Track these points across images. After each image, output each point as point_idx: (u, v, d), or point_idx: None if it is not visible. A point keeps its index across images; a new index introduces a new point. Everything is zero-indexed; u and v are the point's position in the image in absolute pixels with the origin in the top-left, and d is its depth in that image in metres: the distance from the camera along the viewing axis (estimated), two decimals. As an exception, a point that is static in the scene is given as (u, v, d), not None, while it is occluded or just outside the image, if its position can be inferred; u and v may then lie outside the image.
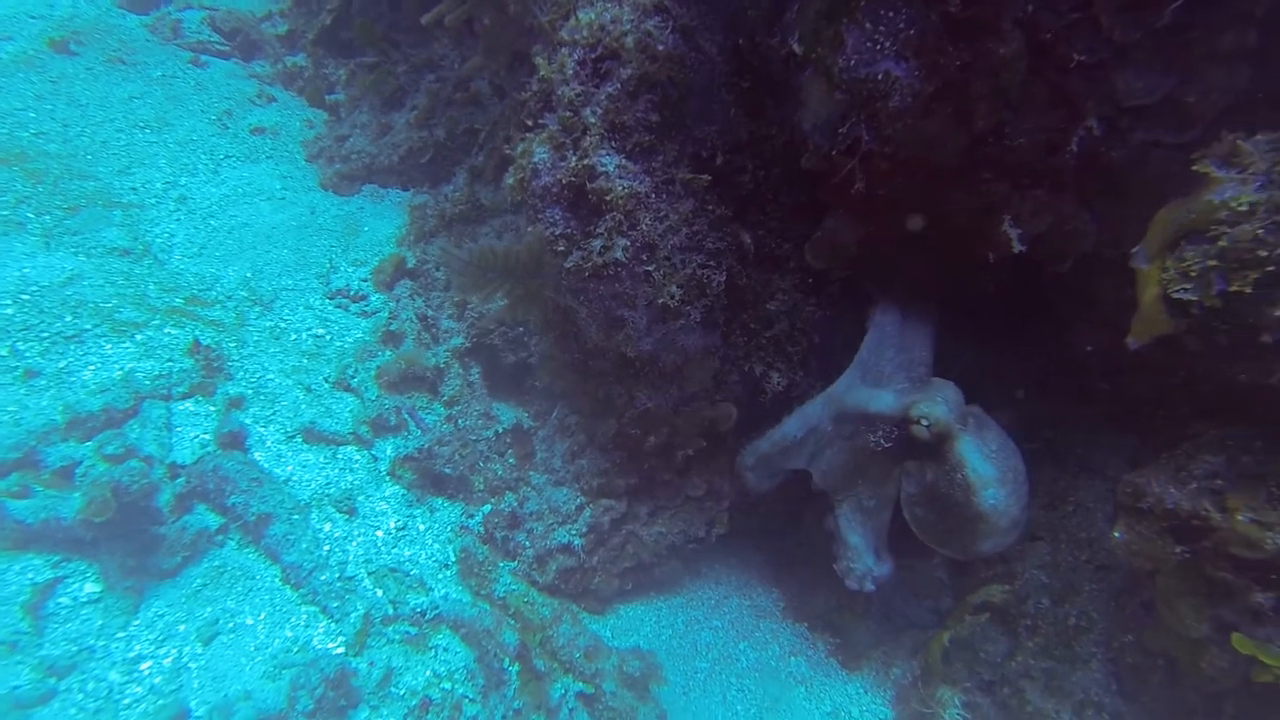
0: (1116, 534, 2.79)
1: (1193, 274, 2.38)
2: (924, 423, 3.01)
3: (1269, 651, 2.36)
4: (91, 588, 2.92)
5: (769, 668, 3.72)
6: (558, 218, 3.19)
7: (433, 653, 2.96)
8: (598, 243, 3.15)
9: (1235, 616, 2.52)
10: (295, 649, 2.87)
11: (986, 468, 2.95)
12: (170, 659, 2.81)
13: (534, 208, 3.30)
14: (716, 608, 3.98)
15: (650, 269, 3.24)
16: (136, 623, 2.89)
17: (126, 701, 2.65)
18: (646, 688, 3.06)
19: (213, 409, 3.69)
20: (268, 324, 4.64)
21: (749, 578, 4.26)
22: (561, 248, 3.20)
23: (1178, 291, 2.40)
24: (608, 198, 3.09)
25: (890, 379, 3.35)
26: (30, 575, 2.87)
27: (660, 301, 3.27)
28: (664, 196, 3.24)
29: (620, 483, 3.64)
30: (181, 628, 2.92)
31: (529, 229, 3.35)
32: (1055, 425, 4.14)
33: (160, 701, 2.64)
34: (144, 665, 2.77)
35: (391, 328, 4.54)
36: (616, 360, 3.46)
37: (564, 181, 3.12)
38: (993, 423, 3.13)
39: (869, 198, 2.98)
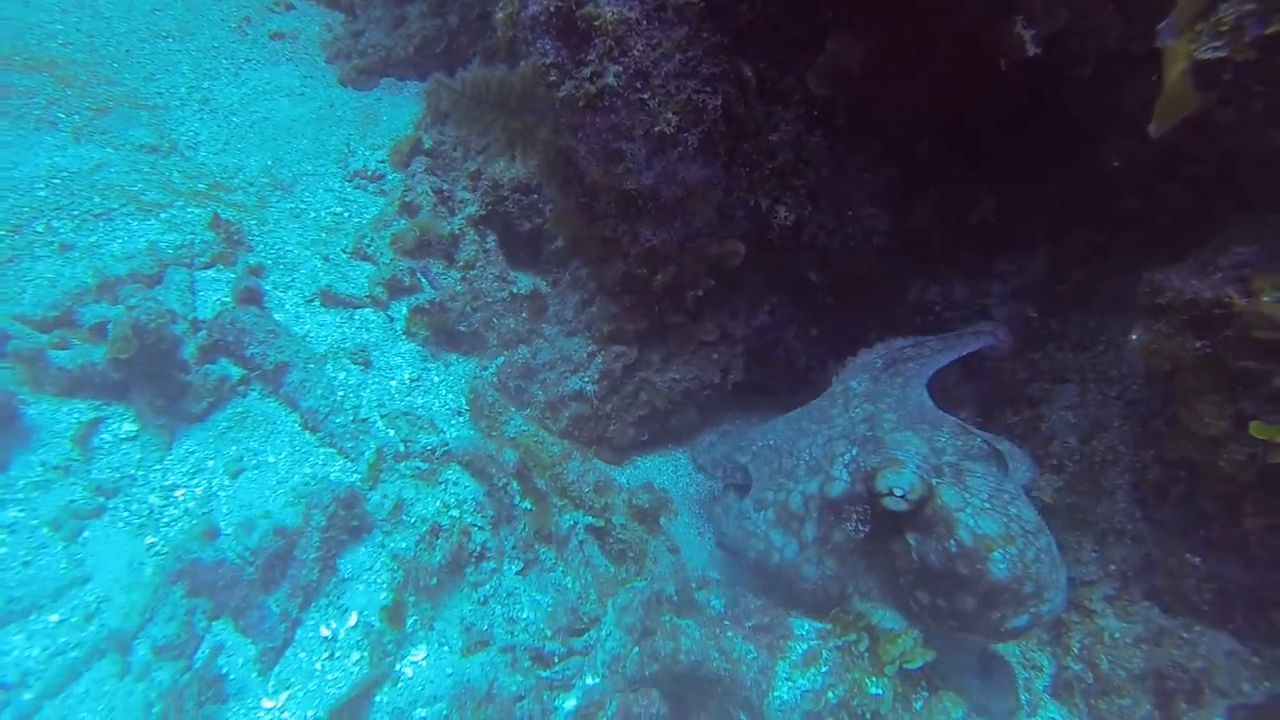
0: (1134, 336, 2.66)
1: (1225, 28, 2.17)
2: (897, 492, 2.47)
3: (1287, 431, 2.24)
4: (129, 427, 3.09)
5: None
6: (548, 47, 3.12)
7: (443, 486, 3.06)
8: (589, 69, 3.08)
9: (1256, 407, 2.40)
10: (314, 483, 2.99)
11: (985, 524, 2.38)
12: (201, 488, 2.97)
13: (524, 40, 3.23)
14: (734, 457, 3.99)
15: (645, 96, 3.15)
16: (170, 458, 3.05)
17: (165, 520, 2.83)
18: (656, 520, 3.10)
19: (233, 275, 3.80)
20: (288, 205, 4.72)
21: (770, 433, 4.25)
22: (553, 78, 3.14)
23: (1207, 50, 2.19)
24: (596, 24, 3.01)
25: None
26: (76, 416, 3.05)
27: (657, 130, 3.19)
28: (655, 23, 3.13)
29: (630, 327, 3.63)
30: (210, 463, 3.07)
31: (521, 63, 3.29)
32: (1085, 264, 3.96)
33: (194, 521, 2.81)
34: (178, 492, 2.94)
35: (407, 199, 4.56)
36: (619, 198, 3.41)
37: (552, 9, 3.05)
38: (978, 467, 2.57)
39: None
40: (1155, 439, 3.00)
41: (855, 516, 2.70)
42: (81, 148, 4.61)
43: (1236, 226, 2.60)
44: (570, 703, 2.45)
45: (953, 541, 2.40)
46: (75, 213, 3.96)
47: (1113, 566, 3.21)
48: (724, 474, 3.38)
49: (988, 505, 2.43)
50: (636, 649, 2.49)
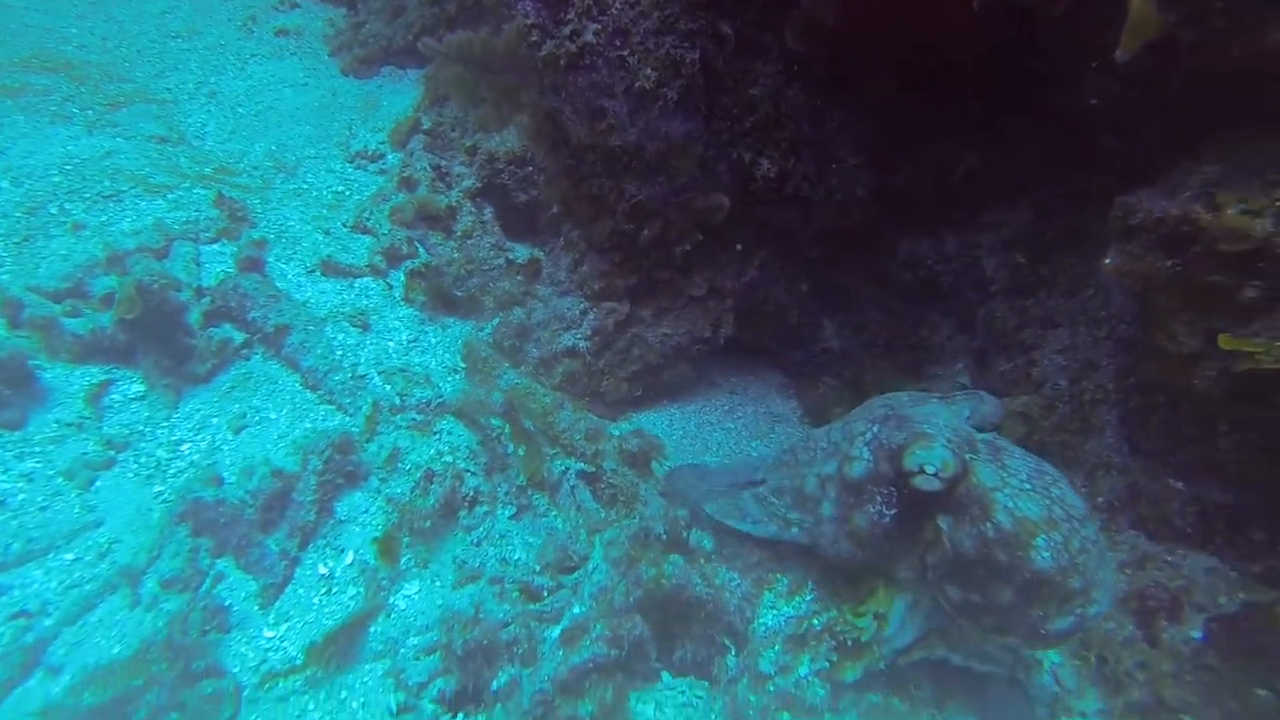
0: (1108, 259, 2.69)
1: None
2: (929, 470, 2.23)
3: (1250, 342, 2.26)
4: (137, 388, 3.23)
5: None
6: (529, 8, 3.21)
7: (437, 436, 3.16)
8: (568, 28, 3.17)
9: (1225, 321, 2.42)
10: (313, 435, 3.10)
11: (1025, 505, 2.14)
12: (206, 443, 3.10)
13: (506, 2, 3.33)
14: (730, 413, 4.06)
15: (624, 53, 3.23)
16: (176, 416, 3.19)
17: (172, 471, 2.97)
18: (648, 464, 3.17)
19: (237, 249, 3.94)
20: (291, 186, 4.87)
21: (766, 390, 4.31)
22: (535, 38, 3.23)
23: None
24: (575, -17, 3.09)
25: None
26: (88, 379, 3.20)
27: (637, 86, 3.27)
28: (634, -20, 3.21)
29: (620, 283, 3.71)
30: (214, 420, 3.20)
31: (504, 26, 3.39)
32: (1071, 209, 3.98)
33: (199, 471, 2.93)
34: (184, 446, 3.07)
35: (405, 175, 4.68)
36: (604, 156, 3.50)
37: (532, -29, 3.13)
38: (1014, 447, 2.36)
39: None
40: (1137, 368, 3.02)
41: (880, 499, 2.39)
42: (94, 138, 4.79)
43: (1205, 149, 2.62)
44: (557, 631, 2.52)
45: (989, 524, 2.14)
46: (87, 195, 4.13)
47: (1100, 499, 3.23)
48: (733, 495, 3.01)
49: (1027, 485, 2.18)
50: (623, 581, 2.56)
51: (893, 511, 2.38)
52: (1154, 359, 2.75)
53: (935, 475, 2.21)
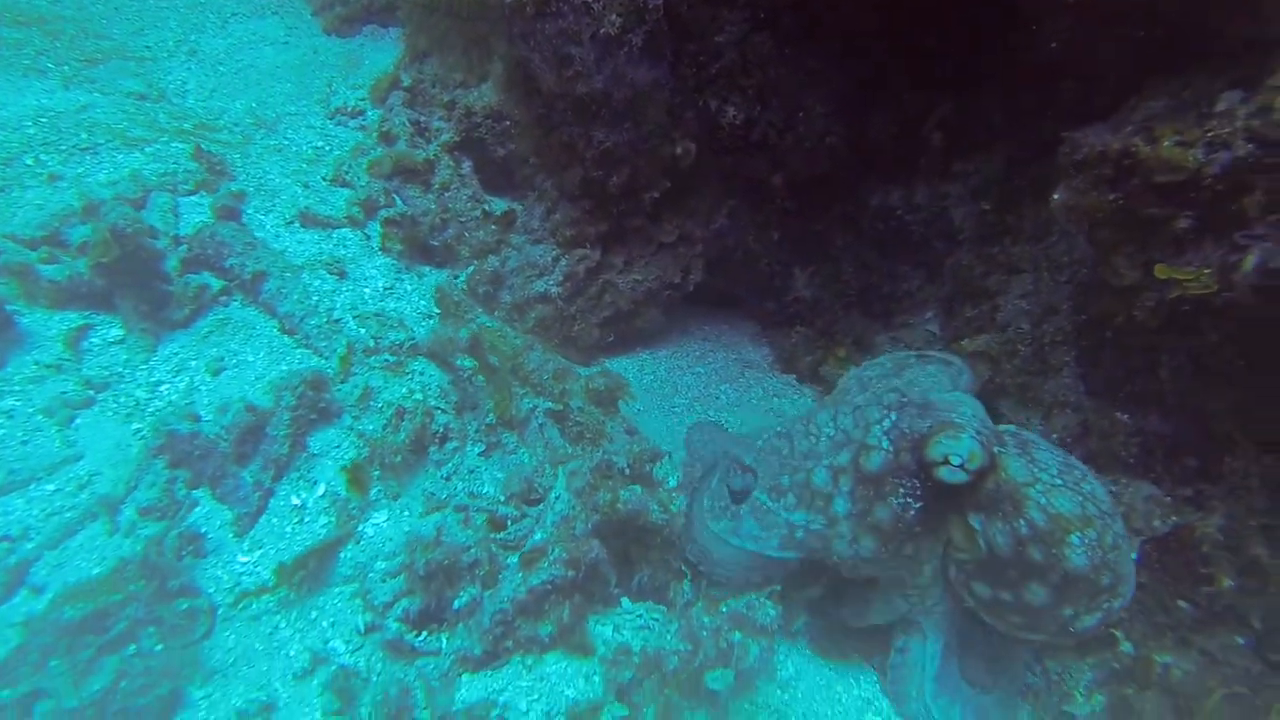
0: (1056, 196, 2.75)
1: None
2: (954, 461, 2.13)
3: (1182, 270, 2.34)
4: (116, 332, 3.30)
5: (750, 405, 3.89)
6: (494, -45, 3.23)
7: (410, 376, 3.24)
8: (533, -26, 3.19)
9: (1162, 253, 2.49)
10: (289, 376, 3.18)
11: (1059, 502, 2.10)
12: (185, 384, 3.19)
13: (471, -50, 3.35)
14: (701, 358, 4.14)
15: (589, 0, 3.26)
16: (155, 359, 3.27)
17: (150, 410, 3.05)
18: (614, 402, 3.26)
19: (217, 201, 3.99)
20: (271, 142, 4.90)
21: (739, 338, 4.39)
22: (501, -16, 3.26)
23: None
24: (539, -72, 3.11)
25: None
26: (67, 324, 3.28)
27: (603, 32, 3.30)
28: (598, -74, 3.23)
29: (591, 230, 3.78)
30: (193, 363, 3.28)
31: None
32: (1038, 157, 4.02)
33: (175, 409, 3.02)
34: (163, 387, 3.16)
35: (385, 129, 4.71)
36: (573, 104, 3.54)
37: (495, -82, 3.15)
38: (1040, 439, 2.31)
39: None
40: (1087, 304, 3.10)
41: (902, 491, 2.26)
42: (70, 93, 4.81)
43: (1151, 87, 2.67)
44: (519, 557, 2.62)
45: (1022, 522, 2.08)
46: (63, 147, 4.16)
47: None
48: (713, 479, 2.88)
49: (1059, 481, 2.13)
50: (583, 508, 2.66)
51: (919, 505, 2.25)
52: (1100, 293, 2.83)
53: (961, 467, 2.11)
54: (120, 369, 3.21)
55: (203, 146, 4.31)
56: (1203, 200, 2.30)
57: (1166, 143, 2.38)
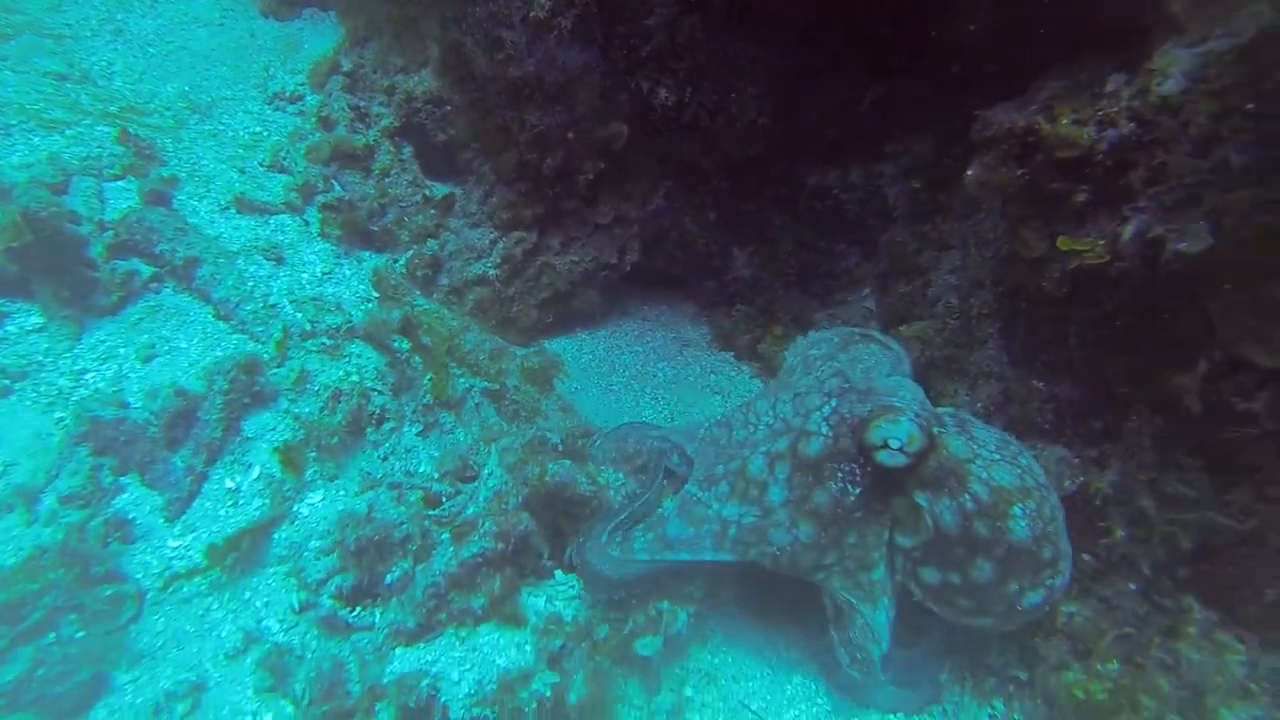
0: (970, 172, 2.85)
1: None
2: (893, 444, 2.16)
3: (1081, 242, 2.46)
4: (35, 320, 3.22)
5: (687, 382, 3.96)
6: (423, -64, 3.23)
7: (346, 359, 3.24)
8: (461, -44, 3.19)
9: (1064, 226, 2.60)
10: (223, 361, 3.16)
11: (999, 475, 2.14)
12: (113, 372, 3.14)
13: (399, -70, 3.34)
14: (640, 337, 4.20)
15: (519, -18, 3.27)
16: (80, 347, 3.21)
17: (75, 399, 3.00)
18: (549, 381, 3.30)
19: (146, 186, 3.91)
20: (206, 127, 4.80)
21: (678, 317, 4.46)
22: (429, -35, 3.25)
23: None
24: (466, -91, 3.11)
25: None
26: (-22, 313, 3.19)
27: (532, 15, 3.32)
28: (525, -92, 3.24)
29: (528, 213, 3.80)
30: (122, 351, 3.23)
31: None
32: (966, 138, 4.14)
33: (100, 395, 2.98)
34: (88, 375, 3.11)
35: (323, 114, 4.66)
36: (507, 88, 3.56)
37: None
38: (977, 420, 2.38)
39: None
40: (1004, 277, 3.23)
41: (841, 476, 2.27)
42: (-24, 70, 4.62)
43: (1053, 69, 2.78)
44: (449, 534, 2.66)
45: (967, 496, 2.12)
46: (-34, 128, 4.01)
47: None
48: (646, 470, 2.84)
49: (997, 456, 2.18)
50: (514, 482, 2.70)
51: (857, 490, 2.25)
52: (1014, 266, 2.95)
53: (900, 450, 2.14)
54: (40, 357, 3.15)
55: (130, 130, 4.22)
56: (1096, 175, 2.41)
57: (1064, 121, 2.49)
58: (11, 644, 2.19)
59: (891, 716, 2.70)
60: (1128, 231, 2.25)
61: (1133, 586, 2.48)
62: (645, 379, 3.90)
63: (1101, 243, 2.40)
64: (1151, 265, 2.25)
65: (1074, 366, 2.90)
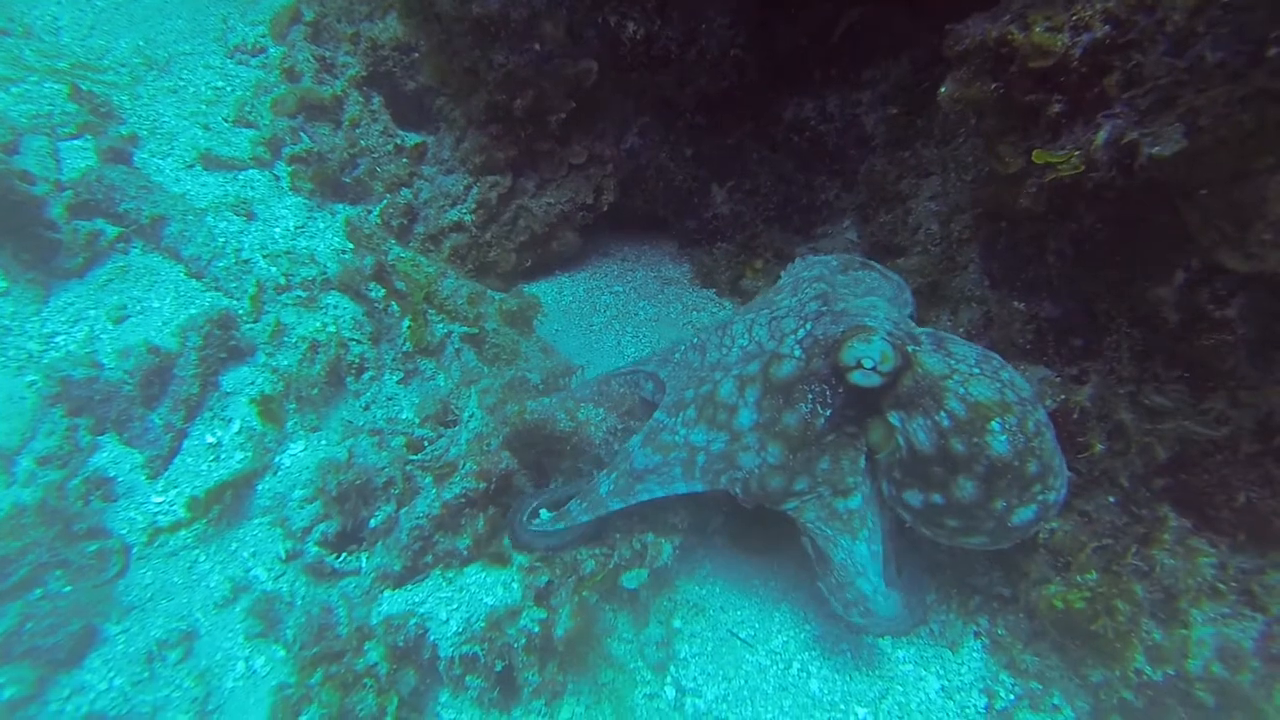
0: (943, 89, 2.78)
1: None
2: (866, 364, 2.10)
3: (1055, 154, 2.41)
4: (-2, 285, 3.18)
5: (668, 320, 3.93)
6: None
7: (323, 310, 3.21)
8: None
9: (1040, 139, 2.55)
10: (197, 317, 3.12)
11: (976, 389, 2.04)
12: (84, 334, 3.10)
13: None
14: (620, 277, 4.16)
15: (476, -89, 3.14)
16: (47, 310, 3.17)
17: (46, 362, 2.96)
18: (529, 322, 3.27)
19: (104, 143, 3.81)
20: (165, 84, 4.67)
21: (659, 256, 4.41)
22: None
23: None
24: None
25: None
26: (-63, 282, 3.13)
27: (494, -54, 3.20)
28: None
29: (501, 156, 3.72)
30: (92, 312, 3.19)
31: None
32: (943, 60, 4.05)
33: (70, 356, 2.95)
34: (59, 338, 3.07)
35: (287, 66, 4.53)
36: (472, 27, 3.45)
37: None
38: (956, 337, 2.27)
39: None
40: (982, 197, 3.18)
41: (811, 397, 2.22)
42: (-97, 27, 4.45)
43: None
44: (431, 478, 2.65)
45: (943, 414, 2.04)
46: (-101, 88, 3.88)
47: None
48: (607, 396, 2.81)
49: (976, 370, 2.09)
50: (494, 423, 2.69)
51: (827, 412, 2.21)
52: (991, 184, 2.90)
53: (874, 369, 2.09)
54: (7, 321, 3.10)
55: (82, 87, 4.09)
56: (1071, 84, 2.35)
57: (1038, 29, 2.42)
58: (0, 599, 2.21)
59: (882, 640, 2.74)
60: (1100, 137, 2.20)
61: (1111, 499, 2.49)
62: (627, 318, 3.87)
63: (1076, 153, 2.35)
64: (1127, 174, 2.21)
65: (1053, 285, 2.88)
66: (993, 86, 2.64)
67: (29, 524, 2.33)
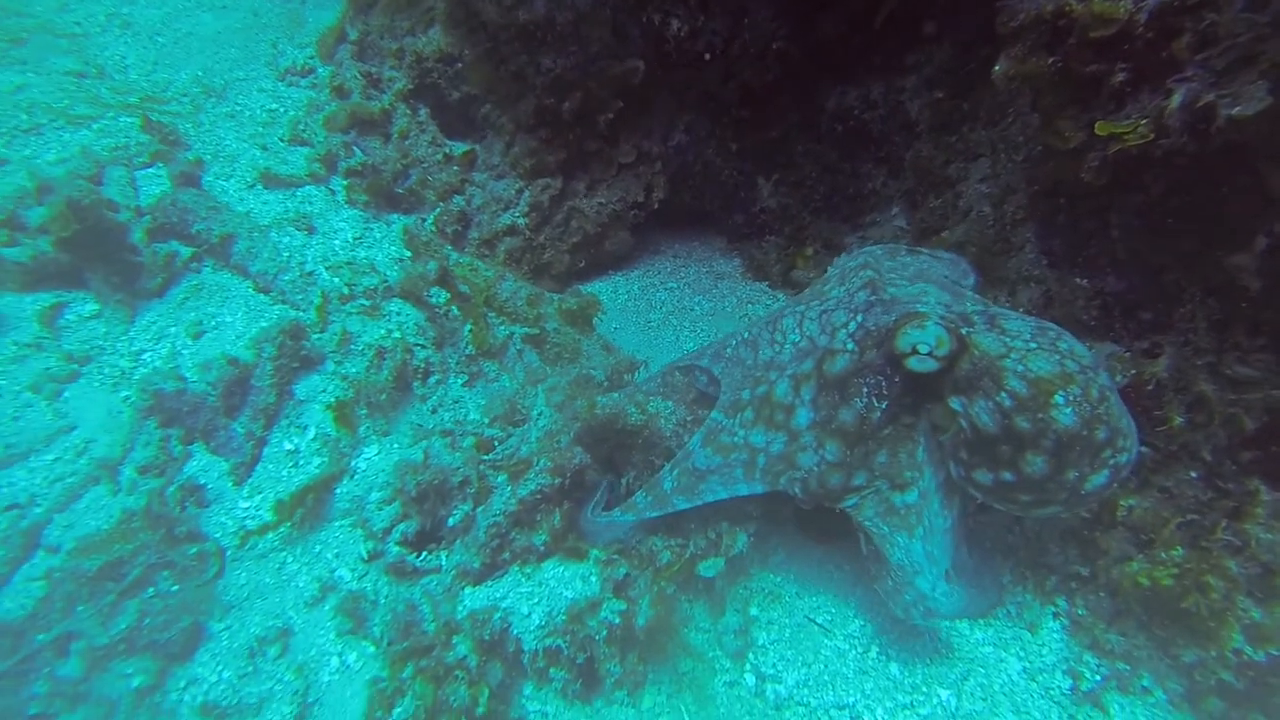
0: (997, 67, 2.76)
1: None
2: (922, 350, 2.08)
3: (1119, 124, 2.38)
4: (91, 307, 3.35)
5: (724, 313, 3.96)
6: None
7: (386, 317, 3.30)
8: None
9: (1102, 110, 2.52)
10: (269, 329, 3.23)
11: (1036, 364, 2.00)
12: (167, 350, 3.25)
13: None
14: (673, 274, 4.20)
15: (520, -78, 3.21)
16: (134, 329, 3.32)
17: (136, 378, 3.11)
18: (589, 320, 3.33)
19: (175, 169, 3.98)
20: (223, 109, 4.85)
21: (710, 252, 4.44)
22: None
23: None
24: None
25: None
26: (40, 304, 3.31)
27: (537, -47, 3.26)
28: None
29: (551, 159, 3.79)
30: (172, 330, 3.33)
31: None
32: (987, 40, 4.01)
33: (161, 373, 3.08)
34: (145, 355, 3.22)
35: (337, 84, 4.66)
36: (518, 34, 3.52)
37: None
38: (1009, 311, 2.22)
39: None
40: (1039, 174, 3.15)
41: (866, 390, 2.21)
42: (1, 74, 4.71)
43: (1085, -57, 2.65)
44: (506, 475, 2.71)
45: (1003, 394, 2.00)
46: (3, 130, 4.11)
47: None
48: (672, 387, 2.85)
49: (1034, 345, 2.04)
50: (563, 420, 2.74)
51: (883, 404, 2.19)
52: (1049, 161, 2.87)
53: (930, 355, 2.06)
54: (100, 341, 3.26)
55: (152, 118, 4.28)
56: (1136, 51, 2.32)
57: (1097, -3, 2.39)
58: (119, 597, 2.36)
59: (960, 622, 2.72)
60: (1174, 102, 2.16)
61: (1193, 474, 2.45)
62: (683, 313, 3.91)
63: (1144, 122, 2.32)
64: (1201, 139, 2.17)
65: (1118, 259, 2.84)
66: (1050, 60, 2.62)
67: (138, 528, 2.46)
